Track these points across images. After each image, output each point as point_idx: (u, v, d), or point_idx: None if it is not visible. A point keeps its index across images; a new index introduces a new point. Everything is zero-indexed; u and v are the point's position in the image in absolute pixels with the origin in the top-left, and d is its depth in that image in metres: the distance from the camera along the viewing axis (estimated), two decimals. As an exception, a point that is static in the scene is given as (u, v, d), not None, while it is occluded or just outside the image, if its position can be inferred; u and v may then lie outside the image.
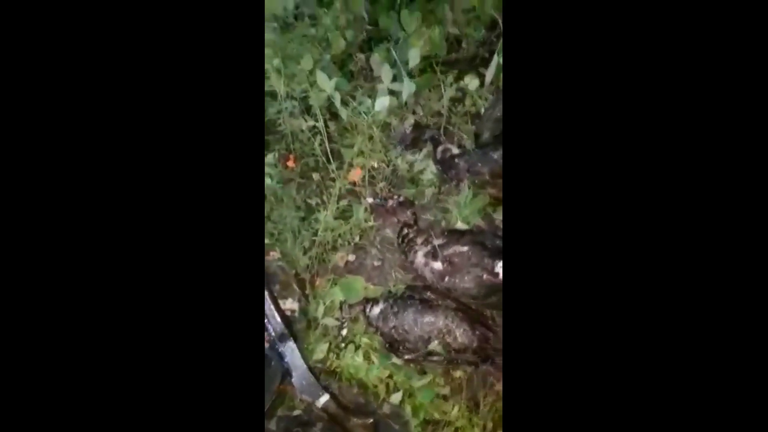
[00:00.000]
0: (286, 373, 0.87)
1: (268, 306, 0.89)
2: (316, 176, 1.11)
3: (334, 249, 1.04)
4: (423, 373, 0.90)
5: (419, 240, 0.95)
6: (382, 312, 0.91)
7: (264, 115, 1.05)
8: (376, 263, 1.04)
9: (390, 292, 0.96)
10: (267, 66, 1.00)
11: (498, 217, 0.99)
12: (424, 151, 1.05)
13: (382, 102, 1.00)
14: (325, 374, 0.91)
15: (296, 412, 0.89)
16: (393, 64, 1.01)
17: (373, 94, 1.05)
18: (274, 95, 1.05)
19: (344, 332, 0.95)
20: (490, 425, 0.87)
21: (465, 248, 0.91)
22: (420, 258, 0.93)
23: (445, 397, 0.89)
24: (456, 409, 0.88)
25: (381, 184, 1.07)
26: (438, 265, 0.91)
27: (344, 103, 1.04)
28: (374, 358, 0.91)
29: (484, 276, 0.89)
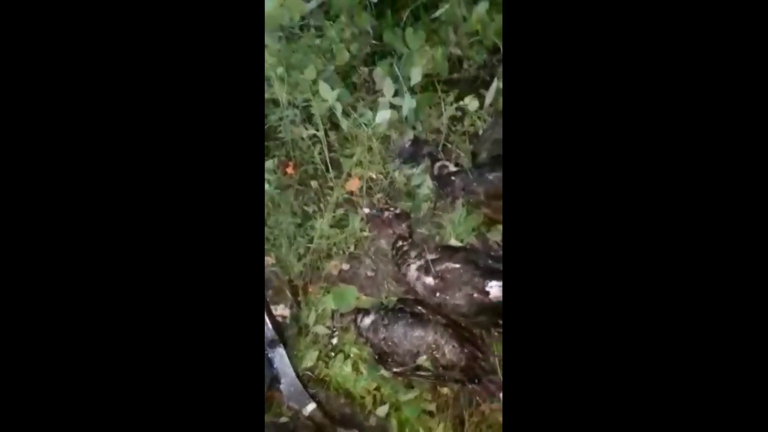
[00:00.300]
0: (275, 380, 0.88)
1: (260, 312, 0.89)
2: (314, 184, 1.12)
3: (329, 257, 1.05)
4: (410, 387, 0.91)
5: (413, 253, 0.96)
6: (372, 323, 0.92)
7: (264, 121, 1.06)
8: (369, 273, 1.05)
9: (382, 303, 0.97)
10: (270, 74, 1.01)
11: (491, 237, 1.01)
12: (422, 165, 1.07)
13: (383, 115, 1.02)
14: (314, 382, 0.91)
15: (283, 419, 0.89)
16: (395, 79, 1.03)
17: (374, 107, 1.07)
18: (276, 103, 1.06)
19: (334, 341, 0.96)
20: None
21: (457, 265, 0.93)
22: (413, 271, 0.95)
23: (431, 414, 0.90)
24: (441, 426, 0.88)
25: (378, 196, 1.08)
26: (430, 279, 0.93)
27: (345, 113, 1.05)
28: (363, 368, 0.92)
29: (475, 294, 0.90)
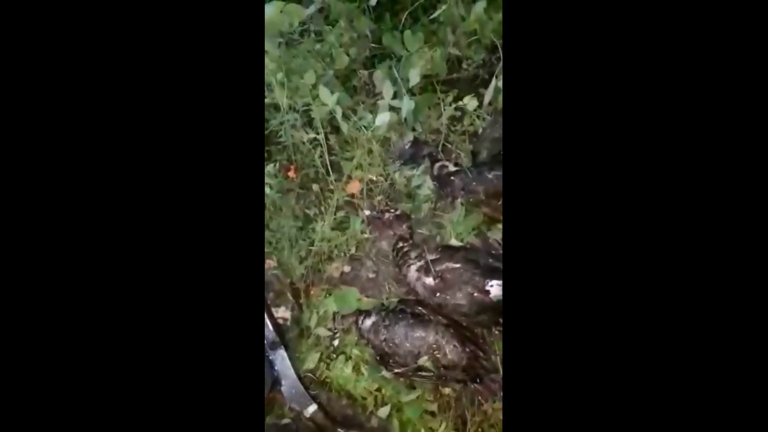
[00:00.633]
0: (276, 382, 0.88)
1: (261, 314, 0.90)
2: (315, 187, 1.13)
3: (330, 259, 1.06)
4: (412, 388, 0.91)
5: (413, 254, 0.96)
6: (373, 324, 0.92)
7: (264, 126, 1.08)
8: (370, 275, 1.06)
9: (382, 304, 0.97)
10: (271, 79, 1.03)
11: (492, 235, 1.00)
12: (422, 166, 1.07)
13: (383, 117, 1.02)
14: (315, 384, 0.91)
15: (285, 421, 0.89)
16: (394, 82, 1.04)
17: (374, 110, 1.08)
18: (277, 107, 1.08)
19: (336, 343, 0.96)
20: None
21: (457, 265, 0.92)
22: (413, 272, 0.94)
23: (433, 414, 0.89)
24: (443, 426, 0.88)
25: (379, 197, 1.09)
26: (430, 280, 0.92)
27: (345, 117, 1.06)
28: (364, 370, 0.92)
29: (475, 294, 0.90)
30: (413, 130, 1.12)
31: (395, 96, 1.05)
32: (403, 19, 1.11)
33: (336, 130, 1.11)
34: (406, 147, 1.09)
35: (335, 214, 1.06)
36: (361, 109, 1.10)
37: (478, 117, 1.07)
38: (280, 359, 0.88)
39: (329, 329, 0.97)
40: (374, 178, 1.10)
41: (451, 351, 0.88)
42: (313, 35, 1.12)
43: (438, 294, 0.92)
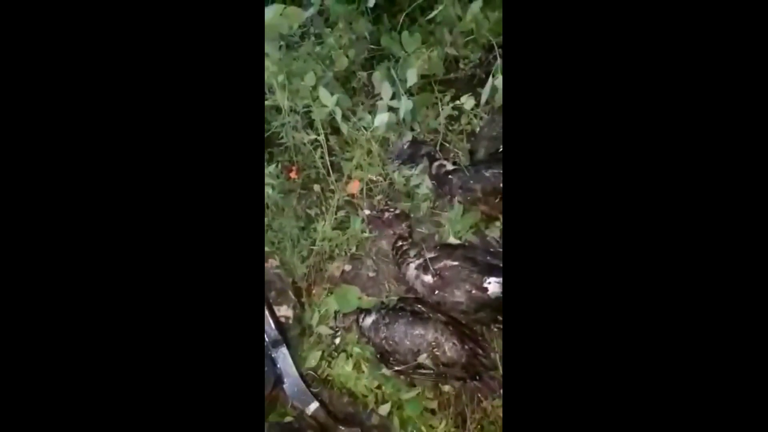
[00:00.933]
0: (278, 380, 0.90)
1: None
2: (316, 188, 1.14)
3: (331, 258, 1.07)
4: (412, 385, 0.92)
5: (412, 252, 0.97)
6: (374, 322, 0.93)
7: (264, 127, 1.09)
8: (371, 274, 1.07)
9: (382, 303, 0.98)
10: (272, 81, 1.05)
11: (489, 233, 1.01)
12: (421, 166, 1.08)
13: (382, 118, 1.03)
14: (317, 382, 0.93)
15: (287, 419, 0.90)
16: (393, 83, 1.05)
17: (373, 111, 1.09)
18: (278, 109, 1.09)
19: (337, 341, 0.97)
20: (477, 441, 0.87)
21: (456, 263, 0.93)
22: (412, 270, 0.95)
23: (433, 411, 0.90)
24: (443, 424, 0.88)
25: (378, 197, 1.10)
26: (429, 278, 0.93)
27: (345, 118, 1.07)
28: (365, 367, 0.93)
29: (473, 291, 0.90)
30: (411, 130, 1.13)
31: (394, 96, 1.06)
32: (400, 21, 1.12)
33: (336, 131, 1.13)
34: (405, 147, 1.10)
35: (336, 214, 1.07)
36: (360, 110, 1.12)
37: (475, 116, 1.07)
38: (282, 357, 0.90)
39: (331, 328, 0.98)
40: (374, 178, 1.11)
41: (451, 348, 0.88)
42: (312, 38, 1.14)
43: (437, 292, 0.92)
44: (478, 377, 0.89)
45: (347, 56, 1.15)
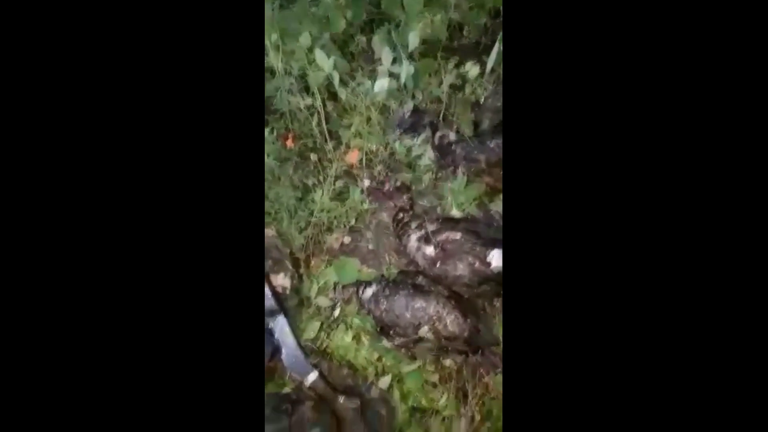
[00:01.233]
0: (276, 350, 0.88)
1: (259, 283, 0.88)
2: (313, 157, 1.10)
3: (330, 230, 1.04)
4: (413, 358, 0.91)
5: (413, 224, 0.95)
6: (374, 295, 0.91)
7: (264, 93, 1.03)
8: (370, 246, 1.04)
9: (383, 275, 0.96)
10: (265, 42, 0.98)
11: (494, 206, 0.99)
12: (423, 136, 1.04)
13: (382, 84, 0.99)
14: (316, 353, 0.91)
15: (286, 390, 0.89)
16: (393, 48, 1.00)
17: (372, 76, 1.04)
18: (272, 72, 1.03)
19: (336, 312, 0.95)
20: (478, 417, 0.86)
21: (458, 235, 0.91)
22: (413, 242, 0.93)
23: (434, 385, 0.89)
24: (444, 397, 0.87)
25: (378, 168, 1.06)
26: (430, 250, 0.91)
27: (343, 83, 1.02)
28: (365, 339, 0.92)
29: (476, 264, 0.89)
30: (413, 98, 1.09)
31: (395, 61, 1.01)
32: (403, -20, 1.06)
33: (333, 96, 1.07)
34: (406, 115, 1.06)
35: (334, 184, 1.03)
36: (359, 75, 1.06)
37: (480, 86, 1.03)
38: (279, 327, 0.87)
39: (330, 299, 0.96)
40: (373, 148, 1.07)
41: (452, 322, 0.88)
42: (309, -4, 1.06)
43: (438, 264, 0.91)
44: (480, 352, 0.89)
45: (345, 17, 1.08)
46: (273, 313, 0.88)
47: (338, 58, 1.02)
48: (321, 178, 1.05)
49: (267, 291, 0.88)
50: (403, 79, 1.00)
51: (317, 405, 0.86)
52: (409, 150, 1.05)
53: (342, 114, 1.09)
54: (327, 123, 1.05)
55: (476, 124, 1.04)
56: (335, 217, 1.03)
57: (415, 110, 1.06)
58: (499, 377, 0.88)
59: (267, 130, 1.03)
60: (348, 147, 1.06)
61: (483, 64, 1.05)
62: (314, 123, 1.05)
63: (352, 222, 1.04)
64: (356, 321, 0.93)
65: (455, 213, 0.98)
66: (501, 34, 1.03)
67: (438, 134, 1.03)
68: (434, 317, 0.87)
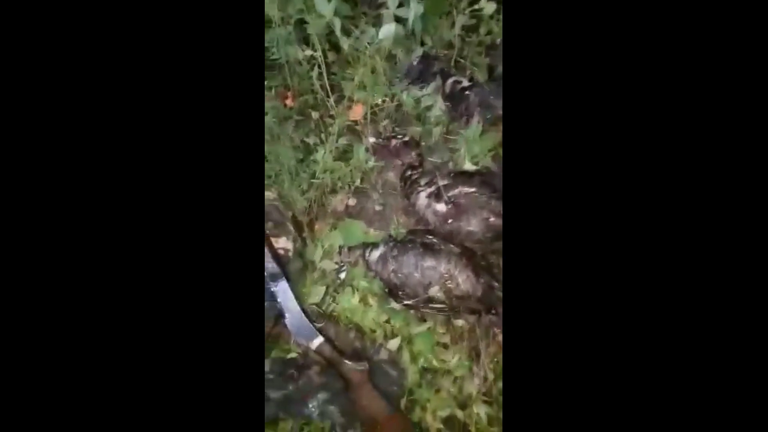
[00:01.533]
0: (279, 315, 0.84)
1: (259, 245, 0.84)
2: (314, 115, 1.03)
3: (334, 192, 0.98)
4: (423, 320, 0.86)
5: (423, 181, 0.88)
6: (381, 256, 0.86)
7: (264, 46, 0.96)
8: (377, 208, 0.98)
9: (390, 236, 0.90)
10: (260, -14, 0.90)
11: (511, 156, 0.90)
12: (433, 85, 0.95)
13: (388, 29, 0.90)
14: (321, 317, 0.87)
15: (291, 355, 0.86)
16: (400, -13, 0.90)
17: (377, 23, 0.95)
18: (268, 21, 0.96)
19: (342, 275, 0.90)
20: (491, 376, 0.83)
21: (472, 189, 0.83)
22: (422, 199, 0.86)
23: (445, 346, 0.85)
24: (456, 358, 0.83)
25: (384, 122, 0.99)
26: (441, 206, 0.84)
27: (345, 31, 0.94)
28: (372, 302, 0.87)
29: (491, 219, 0.82)
30: (422, 44, 0.99)
31: (401, 5, 0.91)
32: None
33: (335, 47, 0.99)
34: (415, 63, 0.97)
35: (337, 142, 0.97)
36: (362, 23, 0.97)
37: (497, 23, 0.92)
38: (282, 292, 0.83)
39: (336, 263, 0.91)
40: (379, 101, 0.99)
41: (465, 281, 0.81)
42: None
43: (450, 221, 0.84)
44: (493, 311, 0.82)
45: (346, -43, 0.99)
46: (275, 277, 0.84)
47: (339, 2, 0.93)
48: (323, 136, 0.98)
49: (268, 254, 0.84)
50: (411, 22, 0.91)
51: (324, 369, 0.83)
52: (417, 101, 0.97)
53: (344, 66, 1.01)
54: (328, 76, 0.98)
55: (491, 69, 0.94)
56: (339, 178, 0.97)
57: (425, 57, 0.97)
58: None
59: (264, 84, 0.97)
60: (351, 101, 0.99)
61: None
62: (314, 76, 0.97)
63: (357, 182, 0.97)
64: (363, 284, 0.88)
65: (468, 166, 0.90)
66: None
67: (449, 81, 0.93)
68: (445, 276, 0.81)
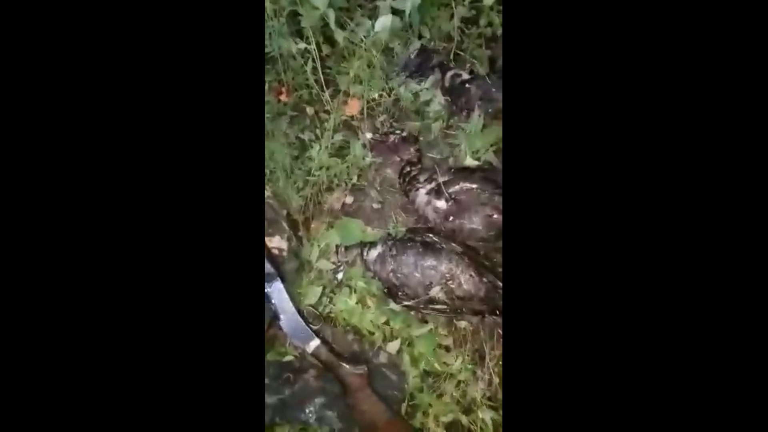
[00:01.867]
0: (275, 316, 0.81)
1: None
2: (309, 110, 1.00)
3: (330, 189, 0.95)
4: (424, 321, 0.83)
5: (422, 177, 0.85)
6: (380, 255, 0.83)
7: (264, 42, 0.93)
8: (375, 206, 0.95)
9: (389, 234, 0.87)
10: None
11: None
12: (431, 78, 0.92)
13: (384, 21, 0.87)
14: (318, 319, 0.84)
15: (287, 358, 0.83)
16: (397, -22, 0.87)
17: (373, 15, 0.92)
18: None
19: (340, 276, 0.87)
20: (496, 380, 0.80)
21: (474, 185, 0.81)
22: (422, 196, 0.83)
23: (447, 349, 0.82)
24: (459, 361, 0.80)
25: (381, 117, 0.96)
26: (442, 203, 0.81)
27: (340, 24, 0.91)
28: (370, 302, 0.84)
29: (494, 216, 0.79)
30: (420, 37, 0.96)
31: (398, -4, 0.88)
32: None
33: (330, 40, 0.96)
34: (412, 56, 0.94)
35: (333, 138, 0.94)
36: (358, 15, 0.94)
37: (498, 13, 0.90)
38: (277, 292, 0.80)
39: (333, 263, 0.88)
40: (376, 96, 0.96)
41: (467, 281, 0.78)
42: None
43: (451, 219, 0.81)
44: (497, 311, 0.80)
45: (341, -53, 0.96)
46: (270, 278, 0.80)
47: (334, -5, 0.90)
48: (319, 132, 0.95)
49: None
50: (408, 13, 0.88)
51: (321, 373, 0.80)
52: (416, 95, 0.94)
53: (339, 60, 0.98)
54: (323, 70, 0.94)
55: (492, 61, 0.92)
56: (335, 175, 0.94)
57: (423, 50, 0.94)
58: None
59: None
60: (347, 96, 0.96)
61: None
62: (309, 70, 0.94)
63: (354, 179, 0.94)
64: (361, 284, 0.85)
65: (469, 162, 0.87)
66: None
67: (449, 75, 0.90)
68: (447, 276, 0.78)
